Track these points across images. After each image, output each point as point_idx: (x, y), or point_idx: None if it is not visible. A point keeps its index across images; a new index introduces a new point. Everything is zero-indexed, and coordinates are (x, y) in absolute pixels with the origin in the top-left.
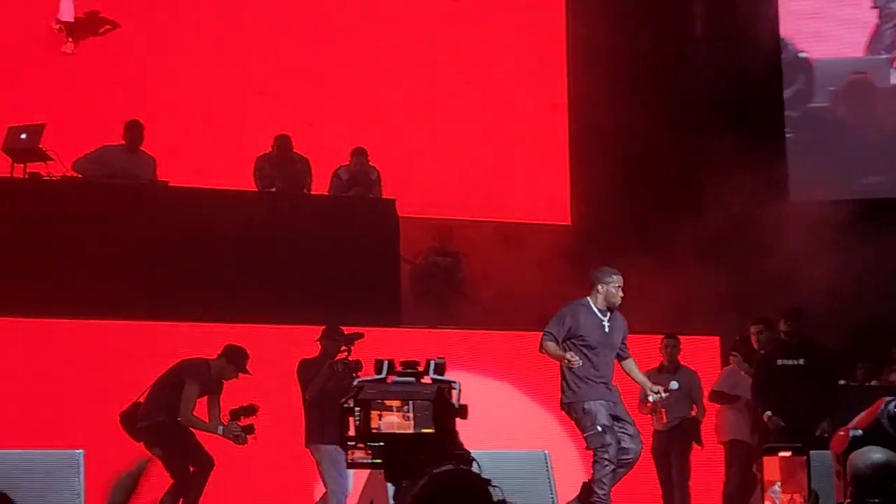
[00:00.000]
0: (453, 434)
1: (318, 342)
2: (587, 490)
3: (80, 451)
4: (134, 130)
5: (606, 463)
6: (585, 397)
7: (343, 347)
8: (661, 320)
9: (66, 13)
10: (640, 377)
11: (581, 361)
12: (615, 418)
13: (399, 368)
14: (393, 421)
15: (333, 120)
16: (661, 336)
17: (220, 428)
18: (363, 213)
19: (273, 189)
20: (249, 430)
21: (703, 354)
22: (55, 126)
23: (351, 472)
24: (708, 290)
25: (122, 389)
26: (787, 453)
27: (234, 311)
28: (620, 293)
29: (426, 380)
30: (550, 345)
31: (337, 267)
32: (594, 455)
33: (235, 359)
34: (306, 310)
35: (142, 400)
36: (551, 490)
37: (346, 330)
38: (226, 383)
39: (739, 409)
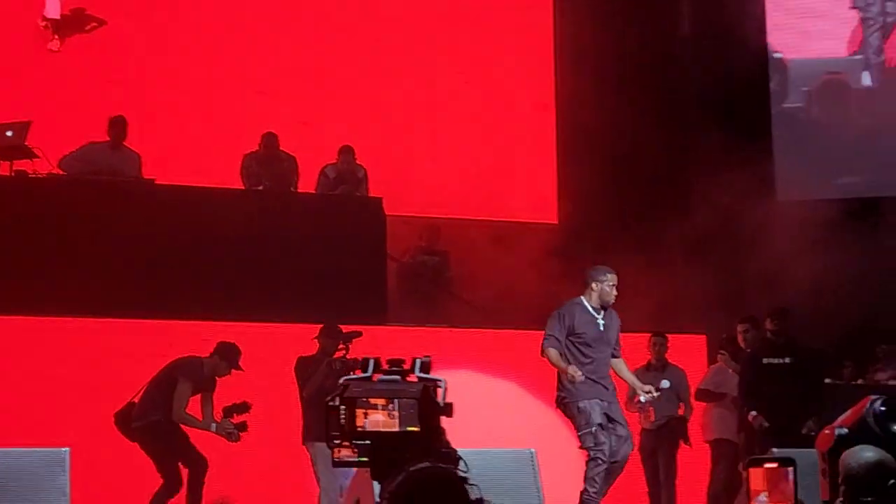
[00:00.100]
0: (439, 432)
1: (315, 340)
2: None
3: (66, 449)
4: (118, 126)
5: (600, 462)
6: (581, 396)
7: (341, 345)
8: (648, 319)
9: (53, 10)
10: (630, 377)
11: (583, 377)
12: (608, 418)
13: (385, 367)
14: (378, 419)
15: (320, 118)
16: (649, 334)
17: (214, 425)
18: (350, 211)
19: (260, 187)
20: (242, 427)
21: (689, 353)
22: (42, 123)
23: (352, 470)
24: (695, 288)
25: (108, 387)
26: (774, 465)
27: (221, 308)
28: (614, 291)
29: (412, 378)
30: (553, 352)
31: (324, 265)
32: (588, 454)
33: (228, 355)
34: (293, 308)
35: (136, 400)
36: (537, 488)
37: (341, 328)
38: (220, 381)
39: (726, 408)
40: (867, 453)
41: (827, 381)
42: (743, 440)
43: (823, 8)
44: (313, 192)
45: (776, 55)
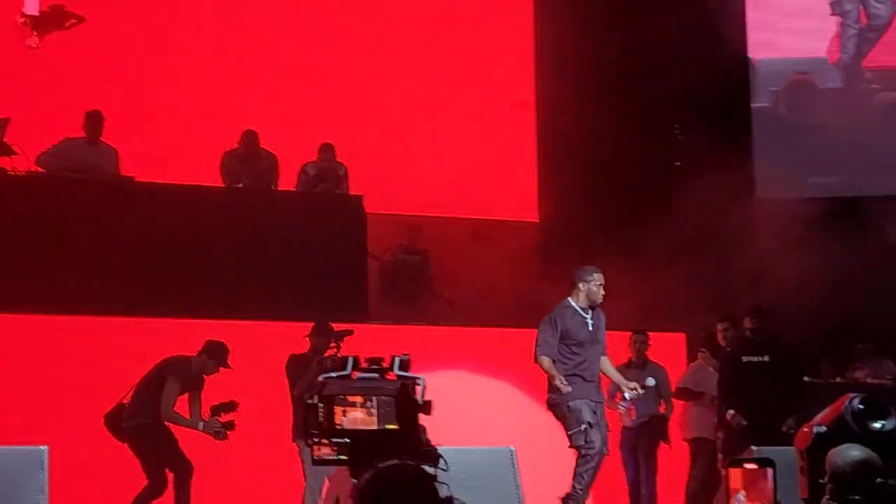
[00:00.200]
0: (418, 430)
1: (307, 338)
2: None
3: (45, 447)
4: (94, 121)
5: (589, 459)
6: (571, 396)
7: (332, 344)
8: (628, 317)
9: (31, 7)
10: (615, 374)
11: (569, 390)
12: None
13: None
14: (357, 417)
15: (301, 116)
16: (629, 333)
17: (201, 424)
18: (330, 209)
19: (240, 185)
20: (230, 426)
21: (669, 351)
22: (20, 120)
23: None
24: (675, 286)
25: (87, 386)
26: (753, 466)
27: (201, 306)
28: (602, 291)
29: (391, 376)
30: (546, 360)
31: (304, 263)
32: (579, 452)
33: (216, 354)
34: (273, 306)
35: (126, 401)
36: (517, 486)
37: (332, 327)
38: (213, 380)
39: (704, 406)
40: (853, 452)
41: (806, 379)
42: (722, 438)
43: (803, 11)
44: (294, 189)
45: (752, 56)
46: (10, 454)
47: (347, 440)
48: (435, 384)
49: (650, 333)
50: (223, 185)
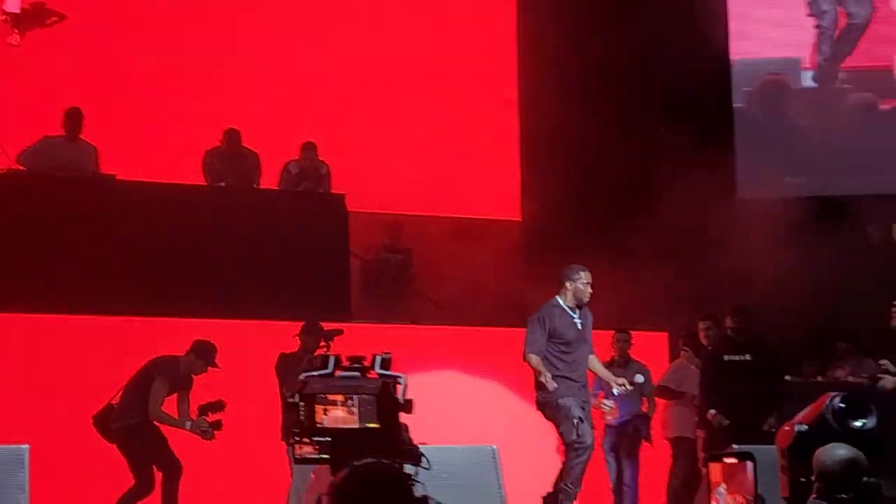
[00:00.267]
0: (399, 428)
1: (297, 337)
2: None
3: (26, 446)
4: (73, 119)
5: (581, 452)
6: (559, 394)
7: (322, 343)
8: (611, 316)
9: (12, 4)
10: (603, 371)
11: (555, 386)
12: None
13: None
14: (338, 415)
15: (283, 114)
16: (612, 331)
17: (188, 423)
18: (313, 207)
19: (222, 184)
20: (217, 425)
21: (651, 349)
22: (1, 118)
23: None
24: (657, 286)
25: (68, 384)
26: (733, 459)
27: (182, 305)
28: (589, 289)
29: (372, 375)
30: (534, 358)
31: (286, 262)
32: (571, 447)
33: (204, 353)
34: (255, 304)
35: (115, 402)
36: (499, 485)
37: (322, 326)
38: (204, 379)
39: (685, 405)
40: (841, 451)
41: (787, 378)
42: (704, 437)
43: (781, 12)
44: (276, 188)
45: (732, 57)
46: None
47: (328, 439)
48: (420, 383)
49: (633, 332)
50: (205, 184)
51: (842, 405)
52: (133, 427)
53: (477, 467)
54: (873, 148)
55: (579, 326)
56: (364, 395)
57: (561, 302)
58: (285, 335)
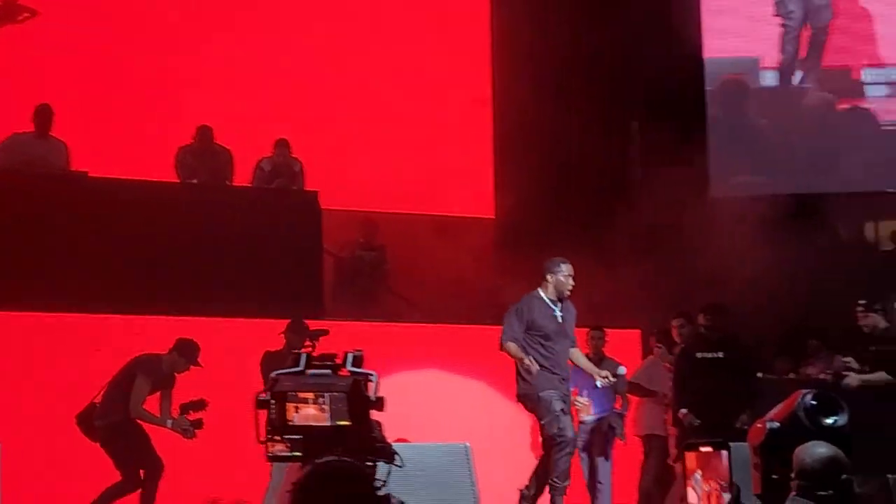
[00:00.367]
0: (370, 426)
1: (282, 335)
2: (540, 481)
3: None
4: (42, 116)
5: (564, 445)
6: (540, 387)
7: (308, 342)
8: (584, 313)
9: None
10: (587, 363)
11: (538, 369)
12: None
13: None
14: (310, 413)
15: (256, 111)
16: (586, 329)
17: (170, 422)
18: (286, 205)
19: (195, 181)
20: (198, 424)
21: (624, 347)
22: None
23: None
24: (630, 283)
25: (37, 382)
26: (708, 448)
27: (154, 303)
28: (570, 282)
29: (344, 372)
30: (511, 345)
31: (259, 259)
32: (553, 441)
33: (186, 352)
34: (228, 302)
35: (97, 400)
36: (472, 482)
37: (307, 325)
38: (179, 378)
39: (656, 403)
40: (821, 449)
41: (759, 375)
42: (676, 435)
43: (750, 12)
44: (249, 185)
45: (706, 56)
46: None
47: (300, 436)
48: (394, 381)
49: (606, 330)
50: (178, 181)
51: (813, 402)
52: (116, 424)
53: (450, 465)
54: (832, 147)
55: (560, 320)
56: (335, 393)
57: (542, 294)
58: (267, 333)
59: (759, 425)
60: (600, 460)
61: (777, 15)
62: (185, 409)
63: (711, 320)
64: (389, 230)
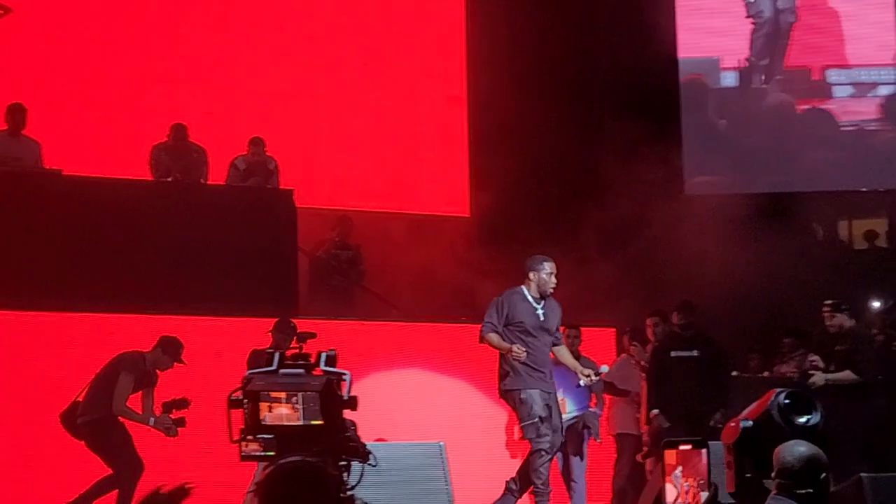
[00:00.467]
0: (344, 425)
1: (269, 334)
2: (524, 479)
3: None
4: (16, 114)
5: (543, 453)
6: (523, 385)
7: (295, 344)
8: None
9: None
10: (572, 361)
11: (526, 353)
12: (548, 408)
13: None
14: (282, 413)
15: (231, 109)
16: (563, 327)
17: (152, 420)
18: (261, 203)
19: (169, 179)
20: (181, 422)
21: (599, 345)
22: None
23: None
24: (606, 282)
25: (7, 381)
26: (688, 447)
27: (128, 301)
28: (553, 280)
29: (317, 372)
30: (493, 336)
31: (234, 258)
32: (531, 444)
33: (170, 349)
34: (203, 300)
35: (80, 398)
36: (446, 481)
37: (295, 325)
38: (174, 376)
39: (629, 403)
40: (801, 448)
41: (734, 373)
42: (647, 432)
43: (722, 12)
44: (223, 183)
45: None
46: None
47: (272, 436)
48: (372, 379)
49: (581, 328)
50: (152, 179)
51: (787, 401)
52: (99, 421)
53: (424, 464)
54: (794, 146)
55: (541, 316)
56: (308, 393)
57: (525, 291)
58: (241, 331)
59: (732, 424)
60: (575, 460)
61: (748, 16)
62: (167, 407)
63: (685, 319)
64: (364, 228)
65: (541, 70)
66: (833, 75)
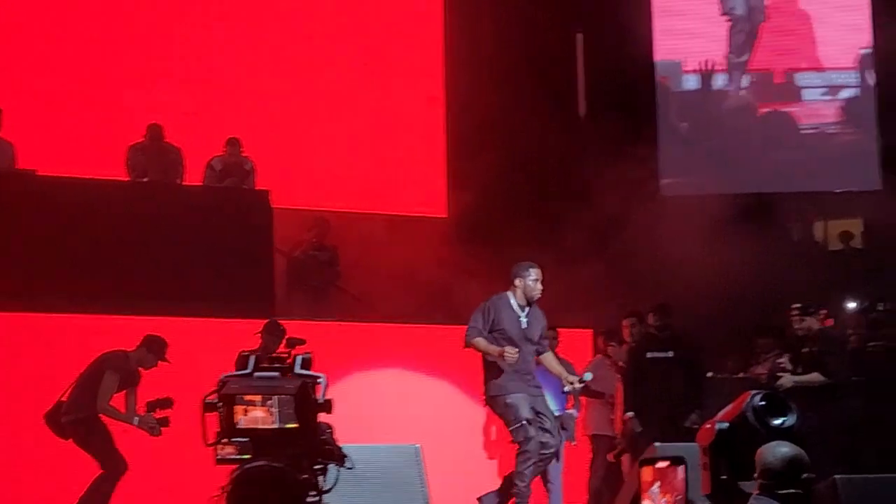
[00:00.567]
0: (318, 428)
1: (258, 335)
2: (507, 482)
3: None
4: None
5: (529, 455)
6: (507, 391)
7: (283, 348)
8: None
9: None
10: (558, 368)
11: (517, 355)
12: (535, 412)
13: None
14: (257, 416)
15: (207, 109)
16: None
17: (136, 419)
18: (237, 204)
19: (145, 179)
20: (164, 422)
21: (576, 346)
22: None
23: None
24: (583, 282)
25: None
26: (665, 463)
27: (104, 301)
28: (539, 286)
29: (292, 375)
30: (480, 341)
31: (210, 258)
32: (518, 448)
33: (154, 347)
34: (179, 301)
35: (64, 398)
36: (422, 483)
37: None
38: (158, 375)
39: (603, 404)
40: (783, 448)
41: (709, 374)
42: (620, 431)
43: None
44: (200, 184)
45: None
46: None
47: (247, 439)
48: (349, 381)
49: (559, 329)
50: (128, 180)
51: (762, 403)
52: (83, 419)
53: (401, 466)
54: (754, 150)
55: (524, 324)
56: (282, 396)
57: (510, 298)
58: (218, 332)
59: (708, 426)
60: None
61: (723, 14)
62: (151, 406)
63: (661, 320)
64: (341, 229)
65: (519, 70)
66: (799, 78)
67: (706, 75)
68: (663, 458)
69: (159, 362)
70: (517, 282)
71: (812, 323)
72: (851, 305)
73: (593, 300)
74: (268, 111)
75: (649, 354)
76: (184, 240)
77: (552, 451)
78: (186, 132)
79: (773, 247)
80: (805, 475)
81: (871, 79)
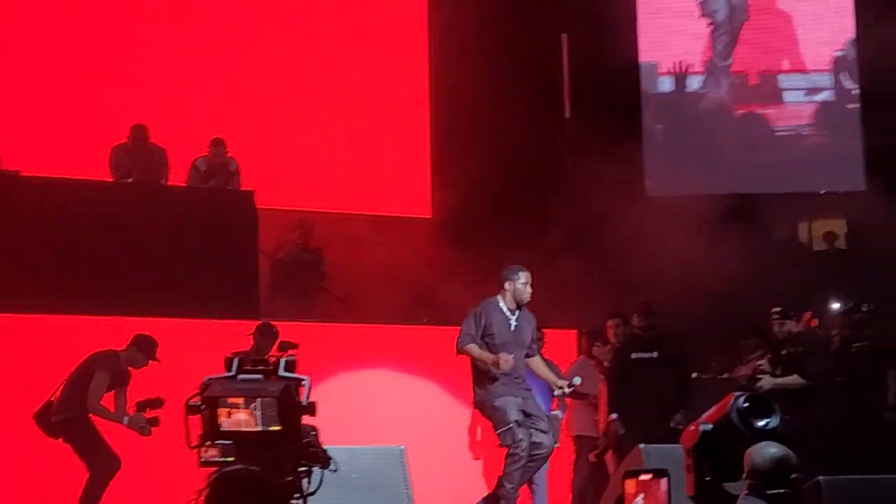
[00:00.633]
0: (302, 431)
1: (250, 336)
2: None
3: None
4: None
5: (518, 458)
6: (496, 395)
7: (275, 351)
8: None
9: None
10: (546, 372)
11: (513, 360)
12: (526, 414)
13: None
14: (241, 418)
15: (191, 110)
16: None
17: (126, 419)
18: (221, 205)
19: (129, 180)
20: (154, 422)
21: (561, 348)
22: None
23: None
24: (568, 282)
25: None
26: (648, 476)
27: (89, 302)
28: (528, 289)
29: (276, 377)
30: (473, 347)
31: (194, 260)
32: (507, 450)
33: (144, 346)
34: (164, 302)
35: (54, 398)
36: (406, 484)
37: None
38: (149, 376)
39: (587, 405)
40: (771, 449)
41: (694, 375)
42: (603, 432)
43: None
44: (184, 185)
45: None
46: None
47: (231, 442)
48: (334, 382)
49: (544, 330)
50: (112, 180)
51: (746, 404)
52: (74, 419)
53: (384, 467)
54: (731, 150)
55: (513, 328)
56: (265, 398)
57: (500, 302)
58: (201, 333)
59: (692, 428)
60: None
61: (703, 15)
62: (141, 406)
63: (646, 320)
64: (326, 230)
65: (504, 70)
66: (779, 80)
67: (680, 77)
68: (646, 471)
69: (150, 361)
70: (507, 285)
71: (792, 326)
72: (835, 306)
73: (578, 300)
74: (252, 112)
75: (634, 355)
76: (168, 241)
77: (546, 451)
78: (171, 133)
79: (758, 247)
80: (794, 475)
81: (849, 81)
